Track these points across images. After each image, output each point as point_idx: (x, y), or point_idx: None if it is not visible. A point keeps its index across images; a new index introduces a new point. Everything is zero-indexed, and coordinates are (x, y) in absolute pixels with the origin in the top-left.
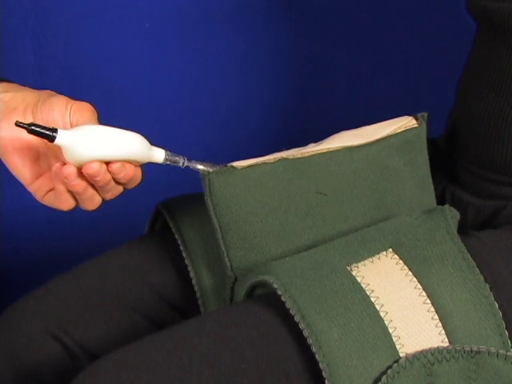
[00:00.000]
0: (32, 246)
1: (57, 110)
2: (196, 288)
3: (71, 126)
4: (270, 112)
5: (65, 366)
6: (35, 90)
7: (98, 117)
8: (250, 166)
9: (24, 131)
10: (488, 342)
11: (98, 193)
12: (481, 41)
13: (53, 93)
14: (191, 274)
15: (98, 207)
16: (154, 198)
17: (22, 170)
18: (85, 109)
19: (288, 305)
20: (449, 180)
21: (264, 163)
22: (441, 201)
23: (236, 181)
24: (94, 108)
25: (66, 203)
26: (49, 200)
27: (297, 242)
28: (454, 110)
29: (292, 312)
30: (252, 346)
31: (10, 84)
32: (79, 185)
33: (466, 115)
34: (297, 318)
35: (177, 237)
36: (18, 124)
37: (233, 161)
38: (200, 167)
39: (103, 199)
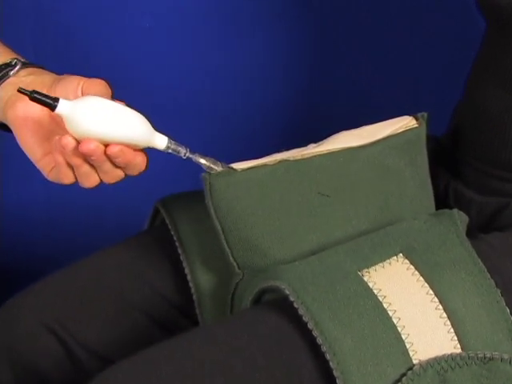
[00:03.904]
0: (32, 242)
1: (69, 86)
2: (191, 284)
3: None
4: (269, 112)
5: (61, 359)
6: (55, 75)
7: (113, 93)
8: (250, 168)
9: (38, 112)
10: (500, 347)
11: (96, 171)
12: (490, 38)
13: (70, 75)
14: (186, 271)
15: (96, 186)
16: (155, 195)
17: (32, 147)
18: (96, 83)
19: (301, 311)
20: (452, 176)
21: (264, 165)
22: (444, 197)
23: (237, 183)
24: (109, 85)
25: (66, 177)
26: (53, 175)
27: (300, 243)
28: (459, 107)
29: (305, 319)
30: (265, 354)
31: (35, 69)
32: (76, 157)
33: (472, 112)
34: (310, 326)
35: (173, 233)
36: (20, 90)
37: (232, 161)
38: (202, 161)
39: (102, 180)
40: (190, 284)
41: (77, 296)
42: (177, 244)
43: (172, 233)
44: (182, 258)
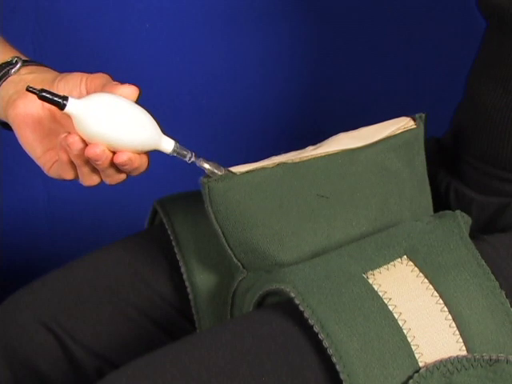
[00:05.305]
0: (32, 245)
1: (72, 83)
2: (187, 283)
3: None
4: (267, 113)
5: (58, 357)
6: (57, 72)
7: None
8: (249, 172)
9: (38, 110)
10: (505, 349)
11: (99, 173)
12: (490, 38)
13: (72, 72)
14: (182, 269)
15: (96, 185)
16: (155, 194)
17: (32, 144)
18: (98, 77)
19: (306, 314)
20: (453, 176)
21: (263, 168)
22: (445, 197)
23: (236, 186)
24: (110, 77)
25: (67, 173)
26: (54, 171)
27: (300, 245)
28: (460, 106)
29: (311, 322)
30: (271, 356)
31: (36, 67)
32: (80, 158)
33: (472, 111)
34: (316, 329)
35: (169, 232)
36: (28, 89)
37: (230, 163)
38: (206, 166)
39: (103, 180)
40: (186, 283)
41: (74, 294)
42: (173, 243)
43: (169, 232)
44: (178, 257)
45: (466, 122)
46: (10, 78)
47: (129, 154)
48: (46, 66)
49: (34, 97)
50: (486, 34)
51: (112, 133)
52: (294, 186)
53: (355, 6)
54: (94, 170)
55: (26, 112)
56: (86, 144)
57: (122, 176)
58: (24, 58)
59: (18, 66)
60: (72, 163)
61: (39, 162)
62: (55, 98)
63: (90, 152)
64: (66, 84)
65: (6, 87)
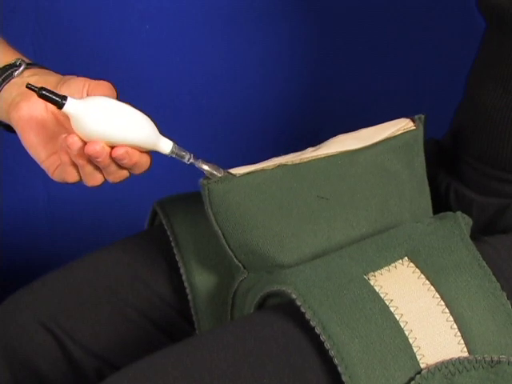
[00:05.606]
0: (32, 245)
1: (74, 87)
2: (186, 284)
3: None
4: (267, 113)
5: (57, 357)
6: (60, 75)
7: (118, 95)
8: (248, 173)
9: (41, 113)
10: (506, 350)
11: (101, 171)
12: (490, 38)
13: (75, 76)
14: (181, 270)
15: (100, 185)
16: (155, 195)
17: (36, 147)
18: (101, 85)
19: (308, 316)
20: (452, 177)
21: (263, 170)
22: (445, 198)
23: (235, 188)
24: (114, 86)
25: (70, 175)
26: (58, 175)
27: (301, 247)
28: (460, 106)
29: (312, 323)
30: (272, 358)
31: (39, 69)
32: (81, 157)
33: (472, 111)
34: (318, 330)
35: (169, 233)
36: (28, 86)
37: (230, 164)
38: (205, 167)
39: (106, 179)
40: (185, 284)
41: (73, 295)
42: (173, 244)
43: (168, 233)
44: (177, 257)
45: (466, 122)
46: (13, 81)
47: (126, 148)
48: (48, 69)
49: (38, 99)
50: (485, 34)
51: (109, 131)
52: (294, 187)
53: (355, 6)
54: (96, 168)
55: (30, 114)
56: (85, 143)
57: (125, 173)
58: (27, 61)
59: (22, 68)
60: (74, 164)
61: (43, 166)
62: (54, 97)
63: (90, 149)
64: (68, 88)
65: (8, 89)
